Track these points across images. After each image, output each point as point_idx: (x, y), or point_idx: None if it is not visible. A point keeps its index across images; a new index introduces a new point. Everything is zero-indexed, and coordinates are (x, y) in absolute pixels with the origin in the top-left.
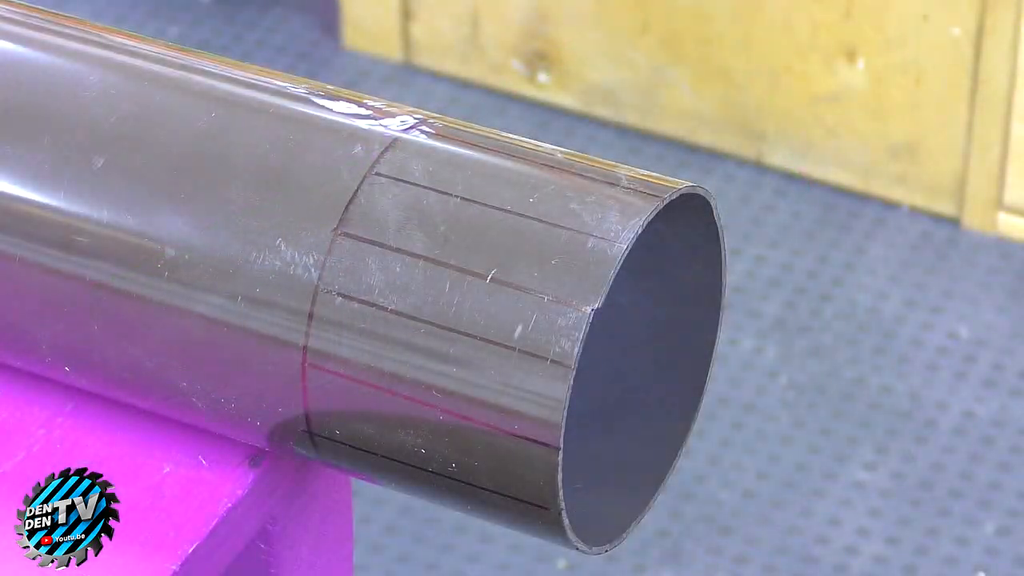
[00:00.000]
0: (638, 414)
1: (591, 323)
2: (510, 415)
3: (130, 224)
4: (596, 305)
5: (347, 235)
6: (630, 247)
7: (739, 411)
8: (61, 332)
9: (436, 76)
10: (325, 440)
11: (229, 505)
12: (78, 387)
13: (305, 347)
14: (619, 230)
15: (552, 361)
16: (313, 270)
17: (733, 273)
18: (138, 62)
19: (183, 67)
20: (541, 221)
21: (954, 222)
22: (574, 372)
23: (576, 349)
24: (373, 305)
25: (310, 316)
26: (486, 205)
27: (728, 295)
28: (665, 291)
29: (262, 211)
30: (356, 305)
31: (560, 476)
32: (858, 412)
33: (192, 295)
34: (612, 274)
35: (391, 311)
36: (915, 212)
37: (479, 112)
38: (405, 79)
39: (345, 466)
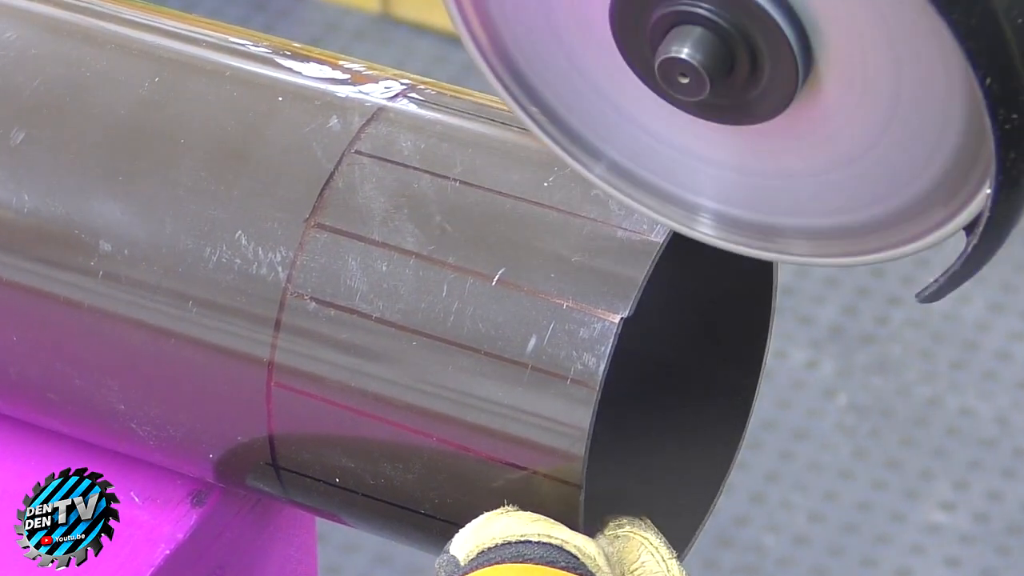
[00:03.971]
0: (671, 444)
1: (619, 335)
2: (521, 446)
3: (56, 212)
4: (626, 313)
5: (322, 227)
6: (667, 241)
7: (788, 438)
8: None
9: (419, 30)
10: (293, 475)
11: (167, 551)
12: None
13: (271, 363)
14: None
15: (572, 381)
16: (280, 269)
17: (781, 271)
18: (65, 15)
19: (120, 21)
20: (558, 209)
21: None
22: (599, 394)
23: (602, 366)
24: (354, 312)
25: (277, 325)
26: (491, 190)
27: (777, 297)
28: (703, 292)
29: (218, 197)
30: (333, 312)
31: (583, 519)
32: (933, 440)
33: (132, 299)
34: (646, 275)
35: (375, 319)
36: None
37: (469, 72)
38: (382, 33)
39: (316, 506)
